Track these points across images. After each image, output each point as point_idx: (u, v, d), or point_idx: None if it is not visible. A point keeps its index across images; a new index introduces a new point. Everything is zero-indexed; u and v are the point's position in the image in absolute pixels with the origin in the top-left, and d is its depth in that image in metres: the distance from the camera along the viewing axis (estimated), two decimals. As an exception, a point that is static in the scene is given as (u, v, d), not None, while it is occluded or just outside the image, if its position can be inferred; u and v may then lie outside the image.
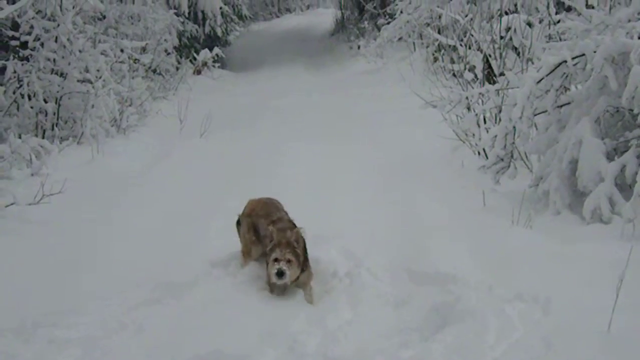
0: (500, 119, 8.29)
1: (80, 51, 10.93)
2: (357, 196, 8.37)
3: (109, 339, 5.01)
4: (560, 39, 9.37)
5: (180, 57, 19.98)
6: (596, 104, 6.93)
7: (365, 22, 25.68)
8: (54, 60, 10.77)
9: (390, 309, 5.52)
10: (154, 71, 16.98)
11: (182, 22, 20.50)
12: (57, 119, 10.91)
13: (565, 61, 6.93)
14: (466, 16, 13.23)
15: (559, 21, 9.24)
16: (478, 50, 11.66)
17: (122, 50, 12.97)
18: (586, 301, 5.02)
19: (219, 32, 23.46)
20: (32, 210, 7.73)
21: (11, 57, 10.63)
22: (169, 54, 18.15)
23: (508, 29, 11.85)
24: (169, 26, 18.62)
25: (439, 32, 15.52)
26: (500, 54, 10.94)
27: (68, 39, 10.68)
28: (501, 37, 11.09)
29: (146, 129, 12.82)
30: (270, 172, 9.44)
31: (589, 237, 6.27)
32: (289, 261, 5.58)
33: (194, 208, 8.00)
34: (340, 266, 6.14)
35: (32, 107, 10.59)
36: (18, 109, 10.61)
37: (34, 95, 10.55)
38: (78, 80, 11.00)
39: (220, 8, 22.85)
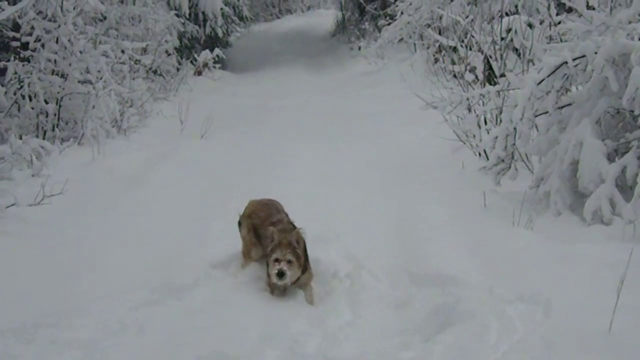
0: (501, 120, 8.29)
1: (81, 52, 10.93)
2: (358, 197, 8.37)
3: (110, 340, 5.01)
4: (561, 40, 9.37)
5: (181, 58, 19.99)
6: (597, 105, 6.94)
7: (366, 23, 25.71)
8: (55, 61, 10.77)
9: (391, 310, 5.52)
10: (155, 72, 16.98)
11: (183, 23, 20.50)
12: (58, 120, 10.92)
13: (566, 62, 6.93)
14: (467, 17, 13.23)
15: (559, 22, 9.23)
16: (479, 51, 11.65)
17: (122, 51, 12.98)
18: (587, 302, 5.03)
19: (219, 33, 23.46)
20: (33, 211, 7.73)
21: (12, 58, 10.64)
22: (169, 55, 18.15)
23: (509, 30, 11.85)
24: (170, 27, 18.64)
25: (439, 33, 15.52)
26: (501, 55, 10.93)
27: (69, 40, 10.68)
28: (502, 38, 11.09)
29: (147, 130, 12.82)
30: (270, 172, 9.44)
31: (590, 238, 6.27)
32: (289, 262, 5.58)
33: (195, 209, 8.00)
34: (341, 267, 6.14)
35: (32, 108, 10.59)
36: (19, 109, 10.61)
37: (35, 96, 10.55)
38: (79, 81, 11.01)
39: (221, 9, 22.85)
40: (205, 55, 20.72)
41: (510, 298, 5.26)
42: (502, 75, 10.41)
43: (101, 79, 11.18)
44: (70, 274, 6.13)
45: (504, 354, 4.62)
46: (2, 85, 10.33)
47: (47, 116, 10.79)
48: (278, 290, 5.78)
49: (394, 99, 14.73)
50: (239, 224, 6.31)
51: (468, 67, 11.50)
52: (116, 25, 14.72)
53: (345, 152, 10.92)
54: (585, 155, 6.77)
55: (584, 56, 6.88)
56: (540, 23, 11.50)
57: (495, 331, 4.84)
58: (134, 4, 16.08)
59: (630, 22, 7.01)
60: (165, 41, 17.63)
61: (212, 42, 23.12)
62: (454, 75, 13.04)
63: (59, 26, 10.63)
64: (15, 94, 10.49)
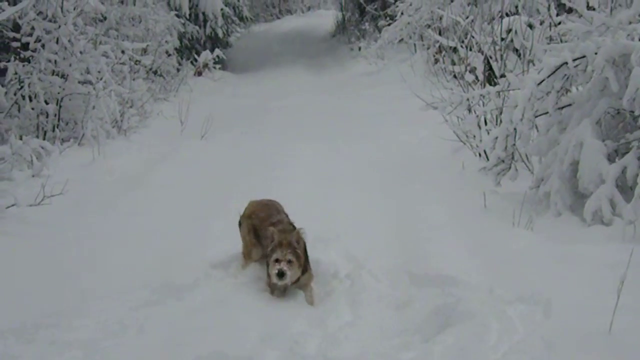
0: (501, 121, 8.29)
1: (81, 52, 10.94)
2: (358, 197, 8.37)
3: (110, 341, 5.01)
4: (561, 41, 9.37)
5: (181, 59, 20.00)
6: (597, 106, 6.93)
7: (366, 24, 25.72)
8: (55, 61, 10.77)
9: (391, 311, 5.52)
10: (155, 72, 16.99)
11: (183, 24, 20.52)
12: (58, 121, 10.92)
13: (566, 63, 6.93)
14: (467, 18, 13.23)
15: (559, 23, 9.23)
16: (479, 51, 11.65)
17: (123, 52, 12.98)
18: (587, 302, 5.02)
19: (220, 33, 23.47)
20: (33, 211, 7.74)
21: (12, 59, 10.64)
22: (170, 55, 18.16)
23: (509, 31, 11.85)
24: (170, 27, 18.66)
25: (439, 34, 15.52)
26: (501, 56, 10.93)
27: (69, 41, 10.69)
28: (502, 39, 11.08)
29: (147, 131, 12.83)
30: (270, 173, 9.44)
31: (590, 239, 6.27)
32: (289, 262, 5.59)
33: (195, 209, 8.00)
34: (341, 268, 6.15)
35: (33, 109, 10.59)
36: (19, 110, 10.62)
37: (35, 97, 10.55)
38: (79, 82, 11.01)
39: (221, 9, 22.86)
40: (205, 56, 20.73)
41: (511, 298, 5.26)
42: (502, 75, 10.41)
43: (101, 79, 11.18)
44: (71, 274, 6.14)
45: (504, 355, 4.62)
46: (3, 86, 10.33)
47: (47, 117, 10.79)
48: (278, 290, 5.78)
49: (394, 100, 14.74)
50: (239, 224, 6.31)
51: (468, 68, 11.50)
52: (116, 25, 14.73)
53: (345, 153, 10.92)
54: (585, 155, 6.77)
55: (584, 57, 6.88)
56: (541, 23, 11.50)
57: (496, 331, 4.84)
58: (134, 5, 16.09)
59: (630, 23, 7.01)
60: (166, 42, 17.65)
61: (213, 42, 23.13)
62: (454, 76, 13.03)
63: (59, 27, 10.63)
64: (15, 94, 10.50)
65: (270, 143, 11.72)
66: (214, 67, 21.04)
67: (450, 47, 13.64)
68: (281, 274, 5.56)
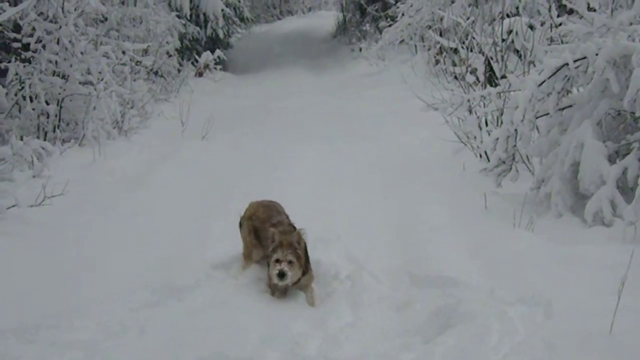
0: (501, 122, 8.28)
1: (82, 53, 10.93)
2: (359, 198, 8.37)
3: (111, 341, 5.01)
4: (562, 42, 9.38)
5: (182, 59, 20.01)
6: (598, 107, 6.93)
7: (367, 25, 25.73)
8: (56, 62, 10.77)
9: (392, 312, 5.52)
10: (156, 73, 16.99)
11: (184, 24, 20.52)
12: (59, 121, 10.92)
13: (567, 64, 6.93)
14: (468, 19, 13.24)
15: (560, 24, 9.24)
16: (480, 52, 11.66)
17: (123, 53, 12.97)
18: (588, 304, 5.02)
19: (220, 34, 23.47)
20: (34, 212, 7.74)
21: (13, 59, 10.64)
22: (170, 56, 18.16)
23: (510, 32, 11.87)
24: (171, 28, 18.66)
25: (440, 35, 15.53)
26: (502, 57, 10.94)
27: (70, 41, 10.69)
28: (503, 40, 11.09)
29: (148, 131, 12.83)
30: (271, 173, 9.45)
31: (591, 240, 6.27)
32: (290, 262, 5.59)
33: (196, 210, 8.00)
34: (342, 269, 6.14)
35: (33, 109, 10.59)
36: (20, 110, 10.61)
37: (36, 97, 10.55)
38: (80, 82, 11.01)
39: (222, 10, 22.85)
40: (206, 57, 20.75)
41: (511, 299, 5.26)
42: (503, 76, 10.42)
43: (102, 80, 11.18)
44: (71, 275, 6.13)
45: (505, 356, 4.62)
46: (3, 87, 10.33)
47: (48, 117, 10.79)
48: (279, 291, 5.78)
49: (394, 101, 14.74)
50: (240, 225, 6.31)
51: (469, 69, 11.50)
52: (117, 26, 14.74)
53: (346, 153, 10.92)
54: (586, 156, 6.77)
55: (585, 58, 6.88)
56: (541, 25, 11.52)
57: (496, 333, 4.84)
58: (135, 5, 16.10)
59: (631, 24, 7.02)
60: (167, 42, 17.65)
61: (213, 43, 23.12)
62: (455, 77, 13.05)
63: (60, 27, 10.63)
64: (16, 95, 10.50)
65: (271, 144, 11.72)
66: (215, 68, 21.05)
67: (451, 48, 13.65)
68: (282, 275, 5.56)
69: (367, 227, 7.27)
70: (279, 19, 41.22)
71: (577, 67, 6.96)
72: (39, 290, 5.83)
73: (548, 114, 7.39)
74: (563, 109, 7.37)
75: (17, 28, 10.86)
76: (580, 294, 5.20)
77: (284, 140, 11.99)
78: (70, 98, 11.03)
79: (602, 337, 4.52)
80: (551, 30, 10.83)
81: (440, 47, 15.78)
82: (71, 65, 10.82)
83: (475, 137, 9.56)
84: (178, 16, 19.75)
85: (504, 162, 7.96)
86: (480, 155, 9.32)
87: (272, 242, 5.67)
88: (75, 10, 10.99)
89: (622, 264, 5.01)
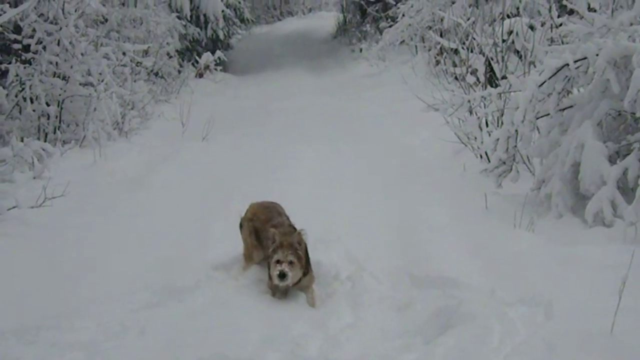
0: (502, 122, 8.28)
1: (82, 54, 10.94)
2: (359, 199, 8.37)
3: (111, 342, 5.01)
4: (563, 42, 9.38)
5: (183, 61, 20.02)
6: (598, 107, 6.93)
7: (367, 25, 25.73)
8: (57, 63, 10.77)
9: (392, 313, 5.51)
10: (156, 74, 17.00)
11: (184, 26, 20.53)
12: (60, 122, 10.92)
13: (568, 64, 6.93)
14: (468, 19, 13.24)
15: (561, 24, 9.24)
16: (480, 53, 11.66)
17: (124, 54, 12.98)
18: (588, 304, 5.02)
19: (221, 35, 23.48)
20: (34, 213, 7.74)
21: (13, 61, 10.63)
22: (171, 57, 18.17)
23: (510, 32, 11.87)
24: (171, 29, 18.67)
25: (441, 36, 15.53)
26: (503, 57, 10.94)
27: (70, 42, 10.69)
28: (503, 41, 11.09)
29: (148, 132, 12.83)
30: (271, 174, 9.45)
31: (591, 241, 6.27)
32: (291, 263, 5.59)
33: (196, 211, 8.00)
34: (342, 269, 6.14)
35: (34, 111, 10.60)
36: (20, 112, 10.61)
37: (36, 99, 10.55)
38: (80, 84, 11.01)
39: (223, 11, 22.86)
40: (206, 58, 20.75)
41: (512, 300, 5.26)
42: (504, 77, 10.42)
43: (102, 81, 11.18)
44: (72, 276, 6.13)
45: (506, 356, 4.62)
46: (4, 88, 10.33)
47: (48, 118, 10.79)
48: (279, 292, 5.78)
49: (395, 101, 14.73)
50: (240, 226, 6.31)
51: (469, 70, 11.51)
52: (117, 27, 14.75)
53: (346, 154, 10.93)
54: (586, 157, 6.77)
55: (585, 58, 6.88)
56: (542, 25, 11.52)
57: (497, 333, 4.84)
58: (136, 6, 16.11)
59: (631, 24, 7.01)
60: (167, 43, 17.66)
61: (214, 44, 23.13)
62: (455, 78, 13.06)
63: (61, 28, 10.63)
64: (16, 96, 10.50)
65: (271, 145, 11.73)
66: (215, 69, 21.05)
67: (452, 49, 13.66)
68: (282, 275, 5.56)
69: (368, 228, 7.27)
70: (279, 19, 41.24)
71: (578, 67, 6.96)
72: (40, 291, 5.83)
73: (548, 114, 7.38)
74: (563, 109, 7.37)
75: (17, 29, 10.86)
76: (581, 295, 5.20)
77: (285, 141, 11.99)
78: (71, 99, 11.03)
79: (603, 337, 4.52)
80: (551, 31, 10.83)
81: (440, 48, 15.78)
82: (72, 67, 10.82)
83: (475, 138, 9.56)
84: (178, 17, 19.77)
85: (504, 163, 7.96)
86: (481, 156, 9.32)
87: (272, 242, 5.67)
88: (75, 11, 11.00)
89: (623, 265, 5.01)
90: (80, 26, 11.22)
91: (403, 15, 19.26)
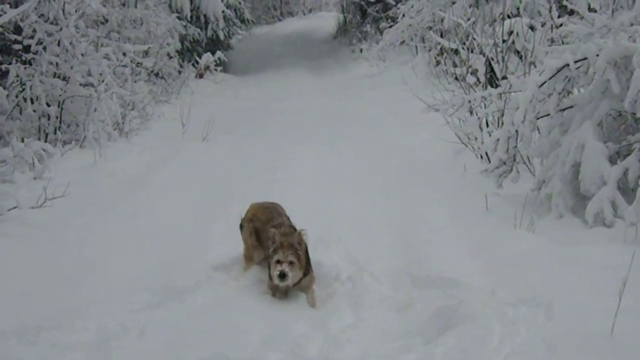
0: (502, 123, 8.29)
1: (82, 55, 10.93)
2: (359, 199, 8.37)
3: (112, 343, 5.00)
4: (563, 43, 9.38)
5: (183, 61, 20.01)
6: (599, 108, 6.93)
7: (368, 26, 25.73)
8: (57, 64, 10.76)
9: (393, 313, 5.51)
10: (157, 75, 16.99)
11: (185, 26, 20.53)
12: (60, 123, 10.92)
13: (568, 65, 6.93)
14: (468, 20, 13.24)
15: (561, 25, 9.24)
16: (480, 53, 11.66)
17: (124, 54, 12.98)
18: (589, 305, 5.02)
19: (221, 35, 23.47)
20: (35, 213, 7.74)
21: (14, 61, 10.64)
22: (171, 57, 18.16)
23: (510, 33, 11.87)
24: (172, 30, 18.66)
25: (441, 36, 15.53)
26: (503, 58, 10.94)
27: (71, 43, 10.69)
28: (503, 41, 11.09)
29: (149, 133, 12.83)
30: (272, 175, 9.45)
31: (592, 241, 6.26)
32: (291, 263, 5.59)
33: (196, 211, 8.00)
34: (343, 270, 6.14)
35: (34, 111, 10.59)
36: (21, 112, 10.61)
37: (37, 99, 10.55)
38: (81, 84, 11.01)
39: (223, 12, 22.85)
40: (206, 58, 20.74)
41: (512, 301, 5.26)
42: (504, 77, 10.42)
43: (103, 81, 11.18)
44: (72, 277, 6.13)
45: (506, 357, 4.62)
46: (4, 88, 10.32)
47: (49, 119, 10.79)
48: (280, 292, 5.78)
49: (395, 102, 14.73)
50: (241, 227, 6.31)
51: (470, 70, 11.51)
52: (118, 28, 14.74)
53: (346, 155, 10.93)
54: (587, 157, 6.77)
55: (585, 58, 6.88)
56: (542, 25, 11.52)
57: (497, 334, 4.84)
58: (136, 7, 16.10)
59: (632, 25, 7.01)
60: (167, 44, 17.65)
61: (214, 44, 23.13)
62: (456, 78, 13.06)
63: (61, 29, 10.63)
64: (17, 96, 10.50)
65: (271, 145, 11.73)
66: (216, 70, 21.05)
67: (452, 49, 13.66)
68: (283, 275, 5.56)
69: (368, 228, 7.27)
70: (280, 20, 41.25)
71: (578, 67, 6.96)
72: (40, 292, 5.83)
73: (549, 114, 7.38)
74: (564, 109, 7.37)
75: (17, 30, 10.86)
76: (581, 295, 5.20)
77: (285, 141, 11.99)
78: (71, 100, 11.03)
79: (604, 338, 4.52)
80: (552, 31, 10.83)
81: (441, 48, 15.78)
82: (72, 67, 10.82)
83: (476, 138, 9.56)
84: (179, 18, 19.76)
85: (504, 163, 7.96)
86: (481, 156, 9.32)
87: (272, 243, 5.67)
88: (76, 12, 11.00)
89: (623, 265, 5.01)
90: (81, 27, 11.22)
91: (403, 15, 19.27)
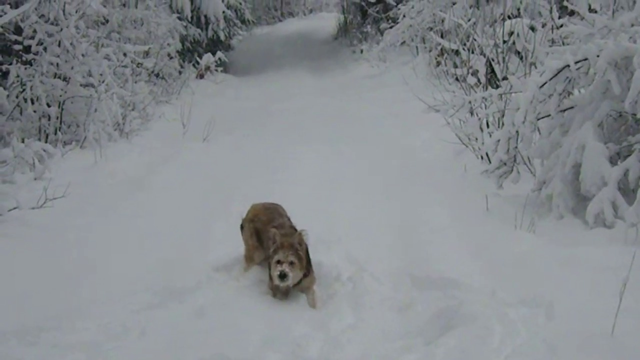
0: (503, 123, 8.29)
1: (83, 55, 10.94)
2: (360, 200, 8.37)
3: (112, 343, 5.01)
4: (563, 43, 9.37)
5: (183, 61, 20.01)
6: (599, 108, 6.93)
7: (368, 26, 25.73)
8: (57, 64, 10.77)
9: (393, 313, 5.51)
10: (157, 75, 16.99)
11: (185, 26, 20.54)
12: (60, 123, 10.92)
13: (568, 65, 6.93)
14: (469, 20, 13.24)
15: (561, 25, 9.24)
16: (481, 54, 11.66)
17: (125, 55, 12.98)
18: (589, 305, 5.02)
19: (221, 36, 23.47)
20: (35, 214, 7.74)
21: (14, 62, 10.64)
22: (172, 58, 18.16)
23: (511, 33, 11.87)
24: (172, 30, 18.66)
25: (441, 37, 15.53)
26: (503, 58, 10.94)
27: (71, 43, 10.69)
28: (504, 42, 11.09)
29: (149, 133, 12.83)
30: (272, 175, 9.45)
31: (592, 242, 6.26)
32: (291, 263, 5.59)
33: (197, 212, 8.00)
34: (343, 270, 6.14)
35: (35, 111, 10.60)
36: (21, 113, 10.62)
37: (37, 100, 10.56)
38: (81, 85, 11.01)
39: (223, 12, 22.85)
40: (207, 59, 20.74)
41: (513, 301, 5.26)
42: (505, 78, 10.42)
43: (103, 82, 11.18)
44: (72, 277, 6.14)
45: (507, 357, 4.62)
46: (5, 89, 10.33)
47: (49, 119, 10.79)
48: (280, 293, 5.78)
49: (396, 102, 14.73)
50: (241, 227, 6.31)
51: (470, 70, 11.51)
52: (118, 28, 14.74)
53: (347, 155, 10.92)
54: (587, 158, 6.76)
55: (586, 59, 6.88)
56: (543, 26, 11.52)
57: (498, 334, 4.84)
58: (136, 7, 16.10)
59: (632, 25, 7.01)
60: (168, 44, 17.65)
61: (214, 45, 23.12)
62: (456, 79, 13.05)
63: (61, 29, 10.63)
64: (17, 97, 10.50)
65: (272, 145, 11.73)
66: (216, 70, 21.05)
67: (452, 50, 13.66)
68: (283, 276, 5.56)
69: (369, 229, 7.27)
70: (280, 20, 41.24)
71: (579, 68, 6.96)
72: (41, 292, 5.83)
73: (549, 115, 7.38)
74: (564, 110, 7.37)
75: (18, 30, 10.86)
76: (582, 296, 5.20)
77: (285, 142, 11.99)
78: (72, 100, 11.03)
79: (604, 338, 4.52)
80: (552, 32, 10.83)
81: (441, 49, 15.77)
82: (72, 68, 10.82)
83: (476, 139, 9.56)
84: (179, 18, 19.77)
85: (505, 164, 7.96)
86: (482, 157, 9.32)
87: (273, 243, 5.67)
88: (76, 12, 11.00)
89: (624, 266, 5.01)
90: (81, 27, 11.22)
91: (404, 16, 19.27)
